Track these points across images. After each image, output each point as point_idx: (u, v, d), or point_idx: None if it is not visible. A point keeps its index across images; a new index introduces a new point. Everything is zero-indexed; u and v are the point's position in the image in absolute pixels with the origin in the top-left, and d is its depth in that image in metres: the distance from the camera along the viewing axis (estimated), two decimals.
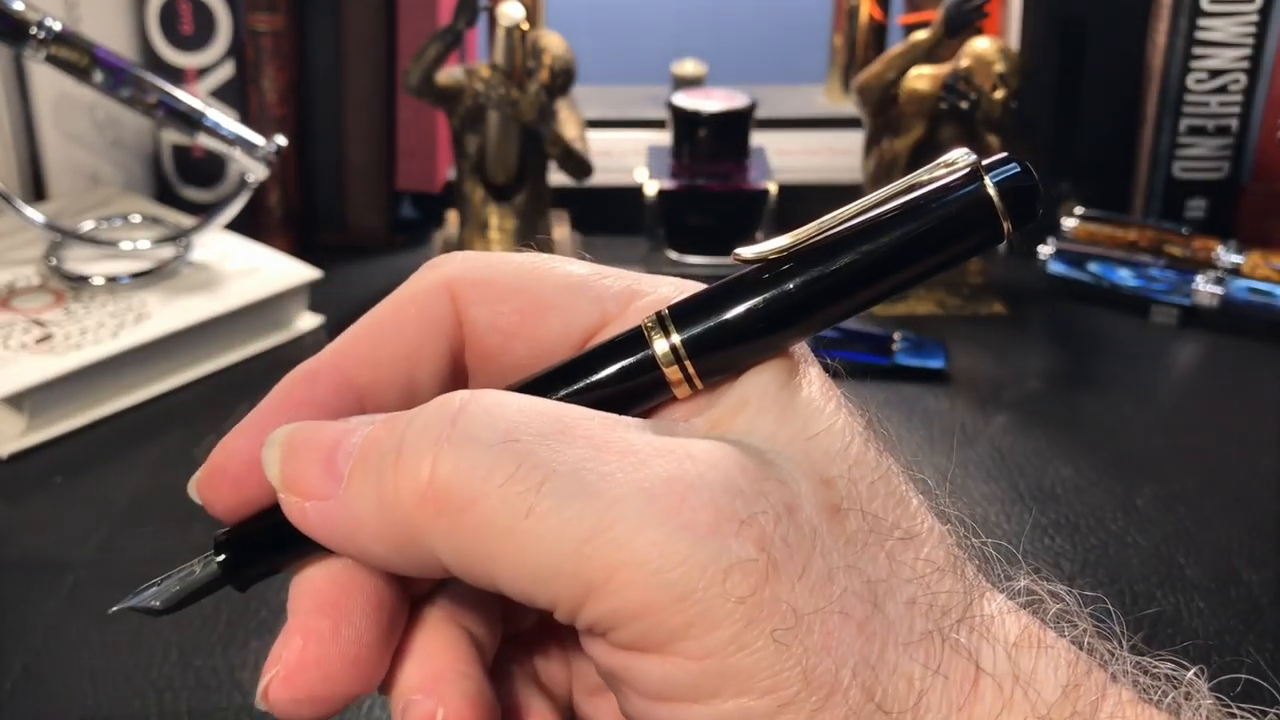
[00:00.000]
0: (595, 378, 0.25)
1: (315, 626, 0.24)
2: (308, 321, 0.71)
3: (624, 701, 0.24)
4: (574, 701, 0.29)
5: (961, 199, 0.24)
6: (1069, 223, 0.78)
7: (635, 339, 0.25)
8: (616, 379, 0.25)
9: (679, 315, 0.25)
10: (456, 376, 0.27)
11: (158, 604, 0.27)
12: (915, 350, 0.68)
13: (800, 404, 0.25)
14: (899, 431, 0.63)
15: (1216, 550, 0.54)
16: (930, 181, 0.25)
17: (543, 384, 0.26)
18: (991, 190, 0.24)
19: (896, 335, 0.68)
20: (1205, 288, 0.73)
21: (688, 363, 0.25)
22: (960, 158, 0.25)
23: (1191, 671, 0.24)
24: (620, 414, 0.25)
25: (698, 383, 0.25)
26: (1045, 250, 0.77)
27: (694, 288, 0.26)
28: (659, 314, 0.25)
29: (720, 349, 0.25)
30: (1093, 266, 0.76)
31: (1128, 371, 0.70)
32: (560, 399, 0.25)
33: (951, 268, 0.25)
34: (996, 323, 0.74)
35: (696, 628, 0.22)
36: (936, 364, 0.68)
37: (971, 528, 0.26)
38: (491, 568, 0.23)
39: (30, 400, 0.59)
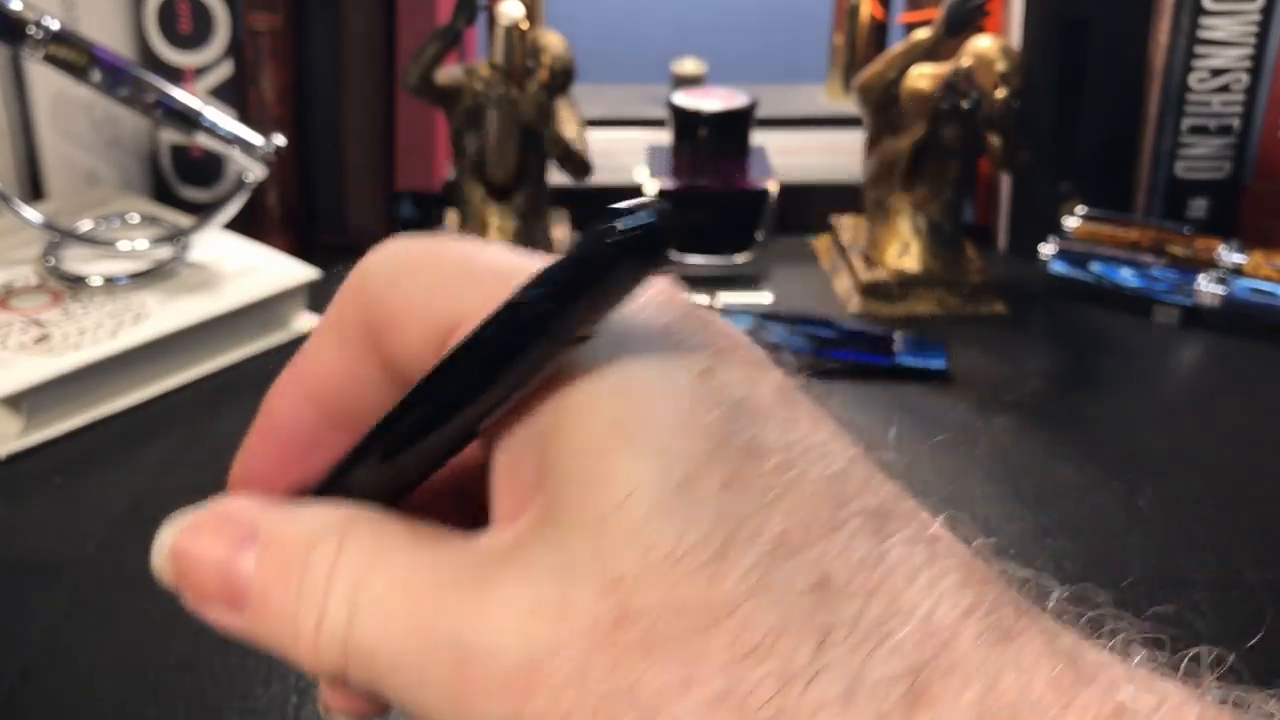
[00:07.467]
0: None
1: None
2: (306, 322, 0.70)
3: None
4: None
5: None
6: (1070, 222, 0.78)
7: None
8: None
9: None
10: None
11: None
12: (916, 350, 0.68)
13: (605, 471, 0.20)
14: (899, 432, 0.63)
15: (1219, 551, 0.54)
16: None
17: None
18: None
19: (897, 335, 0.68)
20: (1207, 287, 0.73)
21: None
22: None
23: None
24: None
25: None
26: (1047, 250, 0.77)
27: None
28: None
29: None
30: (1094, 266, 0.76)
31: (1130, 371, 0.69)
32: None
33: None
34: (997, 323, 0.74)
35: None
36: (937, 364, 0.68)
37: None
38: None
39: (28, 401, 0.59)
